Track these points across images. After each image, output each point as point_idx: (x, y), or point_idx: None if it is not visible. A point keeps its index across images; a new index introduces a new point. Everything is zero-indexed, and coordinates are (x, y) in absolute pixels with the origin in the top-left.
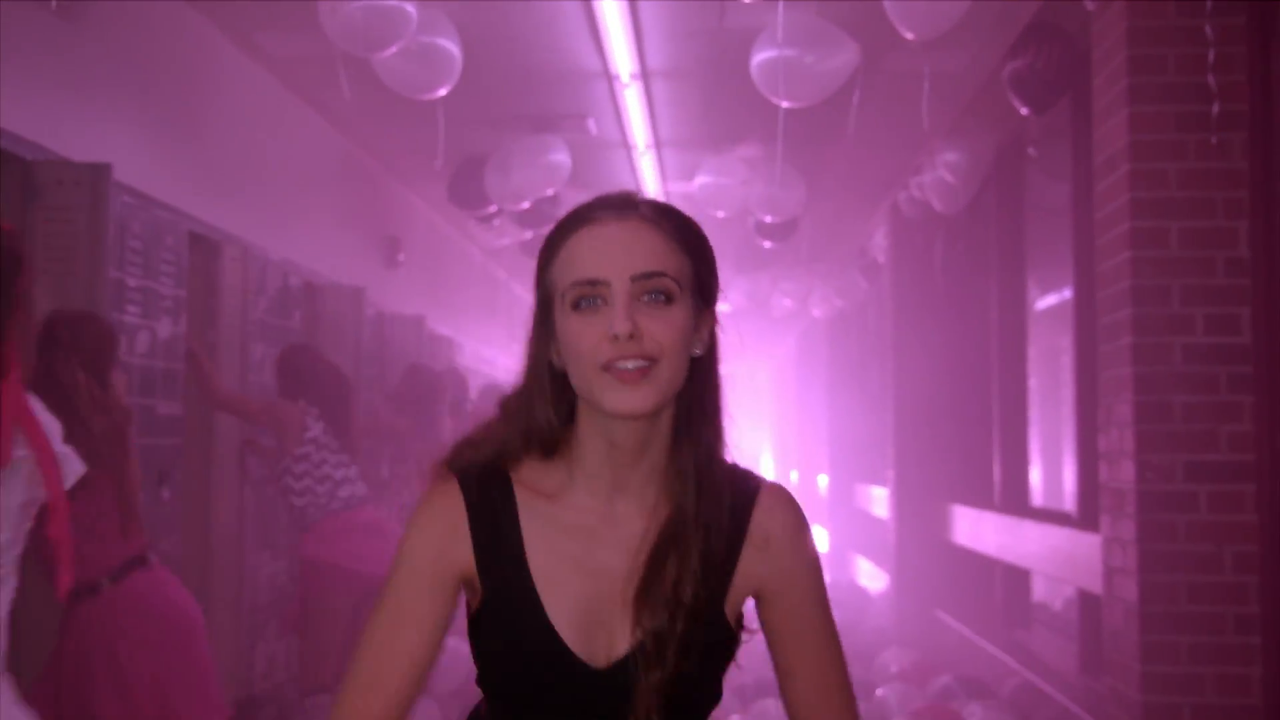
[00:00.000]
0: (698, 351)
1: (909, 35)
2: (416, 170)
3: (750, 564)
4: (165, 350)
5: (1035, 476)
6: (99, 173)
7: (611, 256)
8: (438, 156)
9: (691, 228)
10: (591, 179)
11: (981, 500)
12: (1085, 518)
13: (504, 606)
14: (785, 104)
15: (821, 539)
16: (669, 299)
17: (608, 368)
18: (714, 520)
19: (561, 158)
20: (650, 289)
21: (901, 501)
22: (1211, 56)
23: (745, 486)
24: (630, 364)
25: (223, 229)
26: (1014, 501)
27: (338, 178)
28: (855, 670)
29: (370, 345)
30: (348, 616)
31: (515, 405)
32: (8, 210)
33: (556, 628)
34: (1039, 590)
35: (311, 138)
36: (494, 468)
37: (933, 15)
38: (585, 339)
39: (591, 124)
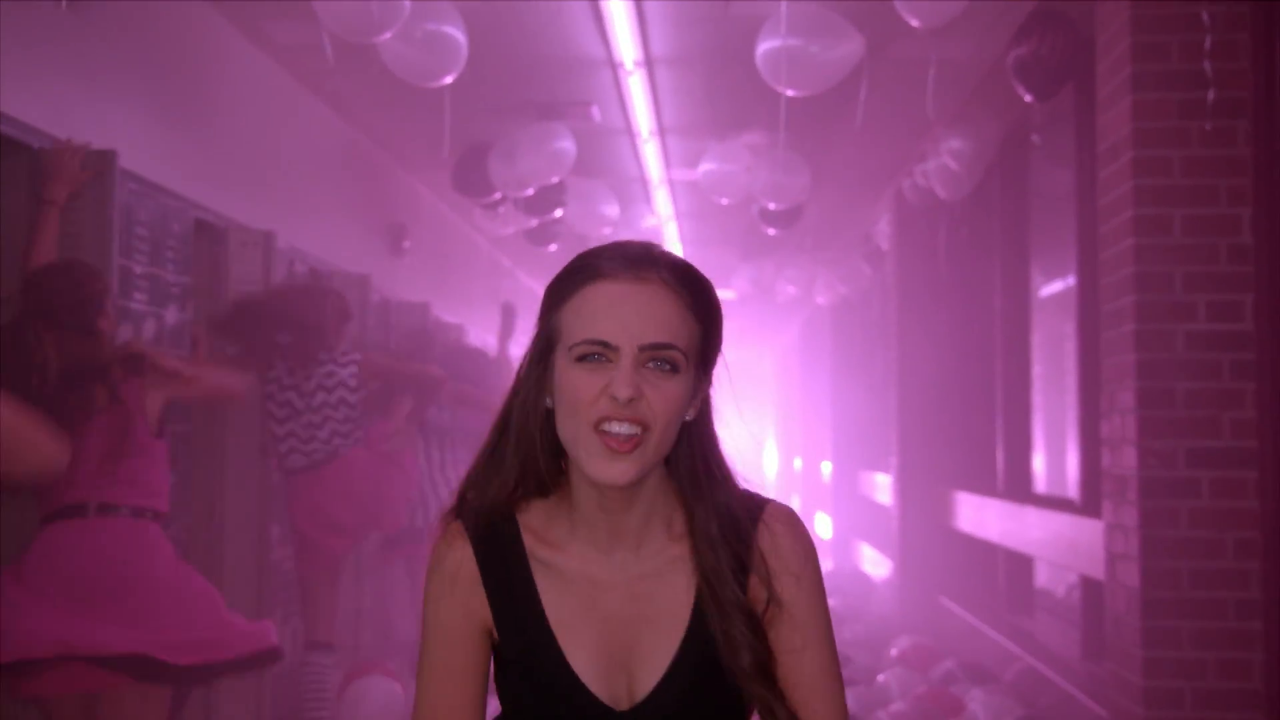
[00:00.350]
0: (690, 417)
1: (915, 23)
2: (421, 158)
3: (754, 588)
4: (172, 337)
5: (1039, 463)
6: (105, 160)
7: (624, 321)
8: (444, 144)
9: (707, 293)
10: (596, 166)
11: (985, 487)
12: (1088, 504)
13: (527, 657)
14: (790, 92)
15: (825, 526)
16: (674, 369)
17: (600, 427)
18: (722, 558)
19: (566, 145)
20: (656, 359)
21: (905, 488)
22: (1209, 43)
23: (749, 511)
24: (624, 429)
25: (229, 216)
26: (1017, 488)
27: (343, 165)
28: (859, 656)
29: (375, 333)
30: (331, 573)
31: (512, 444)
32: (15, 197)
33: (579, 675)
34: (1042, 576)
35: (317, 126)
36: (501, 514)
37: (939, 3)
38: (585, 392)
39: (596, 111)
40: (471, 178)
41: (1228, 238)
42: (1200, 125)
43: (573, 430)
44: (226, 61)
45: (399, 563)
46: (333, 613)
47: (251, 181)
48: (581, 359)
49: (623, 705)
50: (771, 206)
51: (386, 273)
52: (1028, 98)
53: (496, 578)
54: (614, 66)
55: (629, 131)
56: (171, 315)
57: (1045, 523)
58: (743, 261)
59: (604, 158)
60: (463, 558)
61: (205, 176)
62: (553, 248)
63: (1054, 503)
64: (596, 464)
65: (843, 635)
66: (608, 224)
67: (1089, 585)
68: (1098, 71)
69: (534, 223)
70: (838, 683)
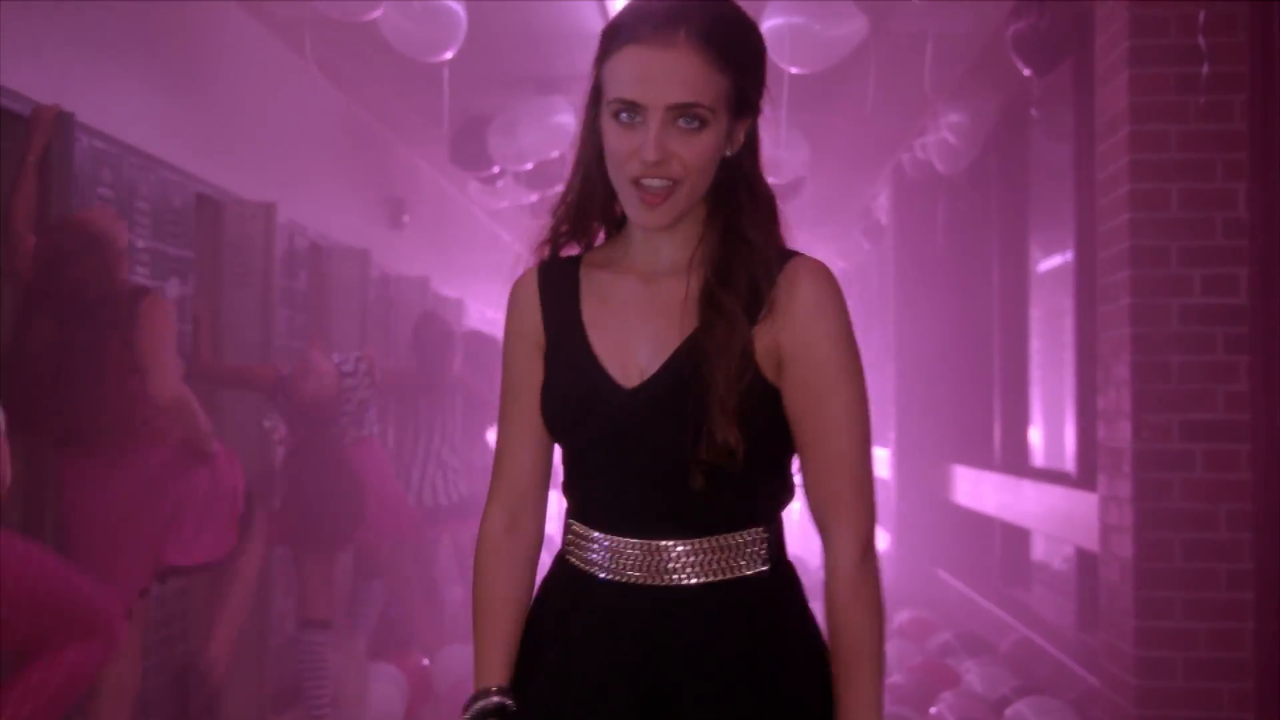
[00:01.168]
0: (728, 153)
1: None
2: (420, 132)
3: (765, 329)
4: (175, 311)
5: (1037, 437)
6: (64, 120)
7: (650, 83)
8: (443, 119)
9: (738, 41)
10: None
11: (982, 460)
12: (1084, 477)
13: (561, 348)
14: (793, 70)
15: None
16: (702, 124)
17: (636, 183)
18: (732, 279)
19: (566, 119)
20: (684, 116)
21: (902, 461)
22: (1203, 17)
23: (780, 259)
24: (656, 183)
25: (229, 190)
26: (1014, 461)
27: (343, 139)
28: None
29: (376, 307)
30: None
31: (579, 183)
32: (14, 171)
33: (600, 358)
34: (1038, 549)
35: (317, 99)
36: (570, 259)
37: None
38: (621, 149)
39: None
40: (470, 151)
41: (1223, 212)
42: (1197, 100)
43: (614, 180)
44: (227, 35)
45: (445, 538)
46: (328, 590)
47: (251, 155)
48: (616, 115)
49: (631, 384)
50: (770, 181)
51: (386, 246)
52: (1026, 72)
53: (549, 292)
54: None
55: None
56: (173, 289)
57: (1041, 496)
58: None
59: None
60: (526, 280)
61: (206, 150)
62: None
63: (1050, 476)
64: (634, 212)
65: None
66: None
67: (1084, 557)
68: (1096, 46)
69: (534, 197)
70: (860, 435)
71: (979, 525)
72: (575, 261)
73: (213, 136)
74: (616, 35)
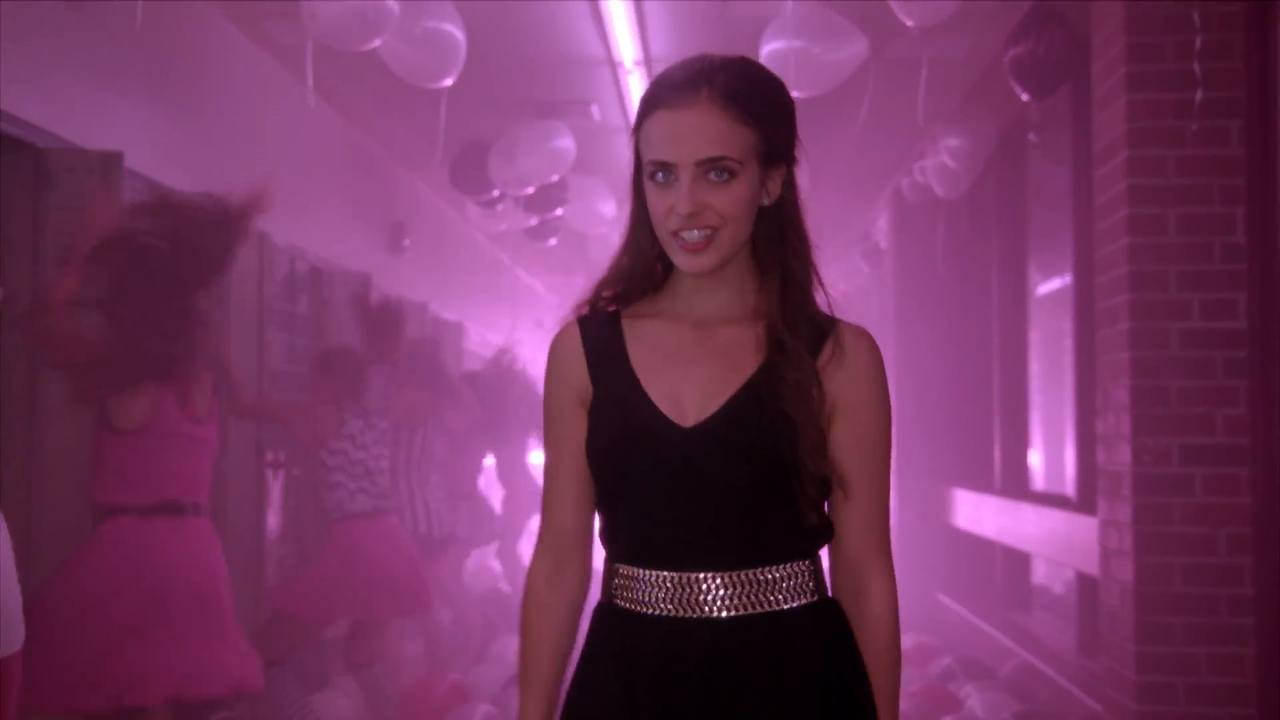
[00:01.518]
0: (765, 202)
1: (910, 22)
2: (421, 156)
3: (825, 377)
4: None
5: (1037, 461)
6: (110, 161)
7: (678, 143)
8: (438, 144)
9: (760, 96)
10: (595, 164)
11: (982, 484)
12: (1084, 501)
13: (610, 393)
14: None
15: None
16: (731, 175)
17: (676, 235)
18: (797, 325)
19: (566, 144)
20: (714, 169)
21: (902, 485)
22: (1199, 43)
23: (826, 317)
24: (695, 234)
25: None
26: (1014, 485)
27: (344, 164)
28: None
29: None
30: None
31: (628, 245)
32: (18, 196)
33: (652, 399)
34: (1039, 573)
35: (318, 124)
36: (608, 311)
37: (933, 2)
38: (659, 207)
39: (595, 110)
40: (470, 175)
41: (1221, 236)
42: (1194, 125)
43: (659, 236)
44: (227, 60)
45: (443, 565)
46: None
47: (253, 180)
48: (653, 176)
49: (687, 423)
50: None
51: (387, 270)
52: (1025, 96)
53: (593, 343)
54: (613, 65)
55: (628, 130)
56: None
57: (1042, 519)
58: None
59: (603, 156)
60: (568, 333)
61: (208, 176)
62: (551, 242)
63: (1050, 500)
64: (681, 260)
65: None
66: (605, 223)
67: (1085, 581)
68: (1093, 71)
69: (534, 221)
70: (887, 515)
71: (979, 549)
72: (615, 314)
73: (213, 160)
74: (647, 103)
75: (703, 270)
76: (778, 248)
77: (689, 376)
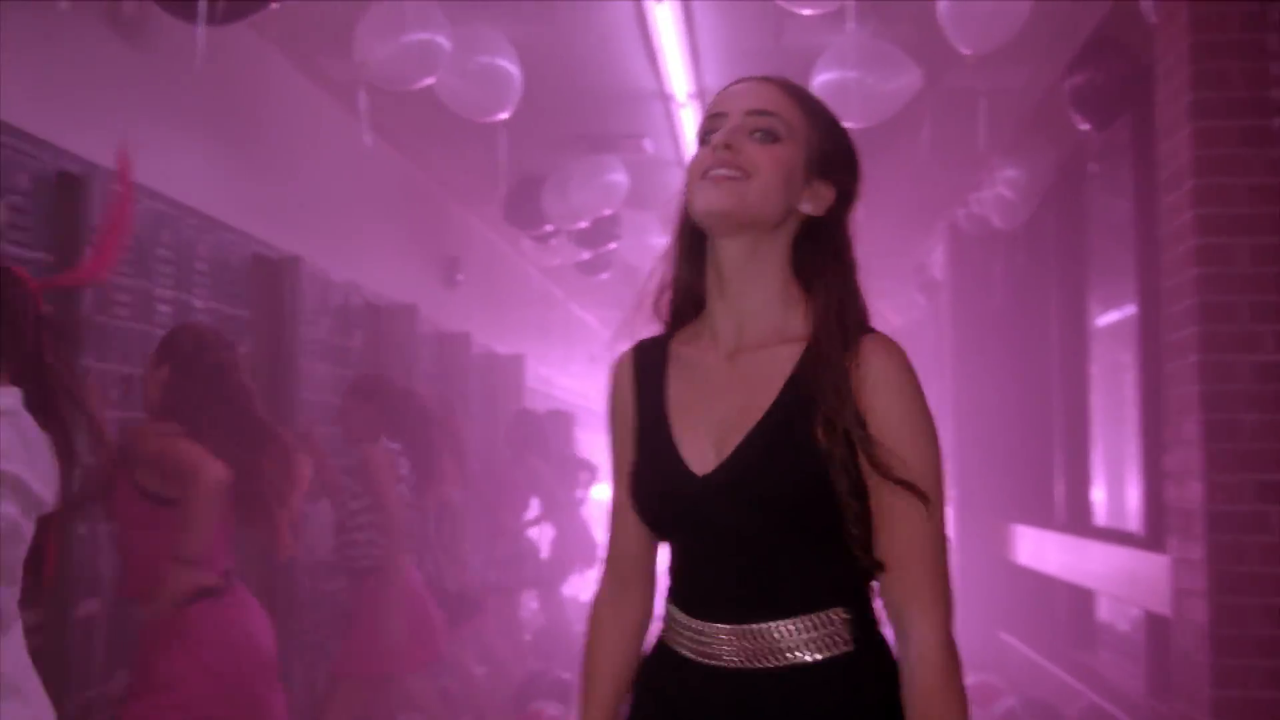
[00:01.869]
0: (807, 207)
1: (966, 50)
2: (475, 190)
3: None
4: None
5: (1099, 495)
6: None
7: (733, 97)
8: (498, 179)
9: (821, 106)
10: (648, 198)
11: (1043, 519)
12: (1151, 538)
13: (646, 432)
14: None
15: None
16: (775, 138)
17: (704, 175)
18: (830, 348)
19: (619, 178)
20: (760, 126)
21: (963, 520)
22: (1276, 70)
23: (859, 328)
24: (723, 170)
25: (287, 250)
26: (1077, 521)
27: (398, 198)
28: None
29: (429, 365)
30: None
31: (666, 268)
32: (75, 230)
33: (677, 443)
34: (1103, 611)
35: (372, 159)
36: (662, 338)
37: (988, 30)
38: (697, 159)
39: (648, 144)
40: (524, 210)
41: None
42: (1263, 153)
43: (688, 190)
44: (283, 97)
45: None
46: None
47: (308, 215)
48: (704, 140)
49: (704, 470)
50: None
51: (440, 305)
52: (1084, 126)
53: (642, 374)
54: (665, 99)
55: (680, 163)
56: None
57: (1107, 556)
58: None
59: (656, 189)
60: (624, 361)
61: (263, 211)
62: (604, 276)
63: (1115, 536)
64: (697, 196)
65: None
66: (658, 257)
67: (1153, 620)
68: (1157, 99)
69: (587, 255)
70: (938, 544)
71: (1042, 586)
72: (664, 341)
73: (270, 196)
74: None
75: (715, 205)
76: (819, 266)
77: (711, 414)
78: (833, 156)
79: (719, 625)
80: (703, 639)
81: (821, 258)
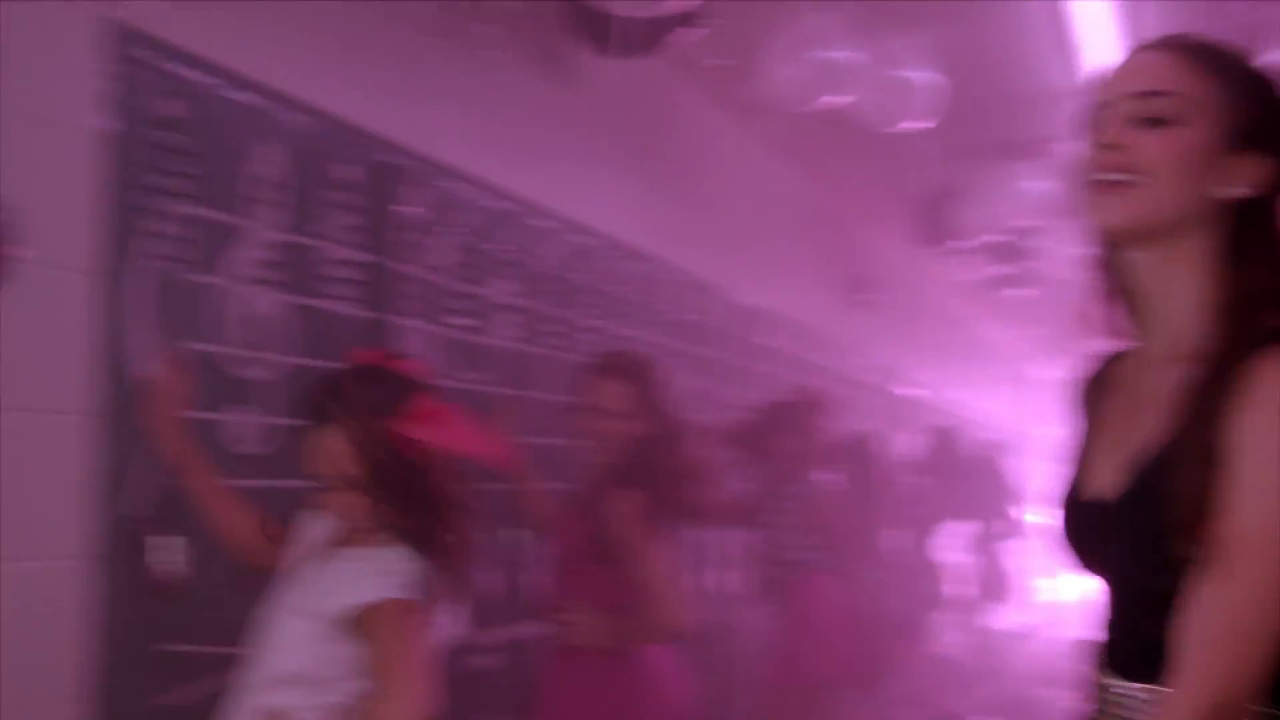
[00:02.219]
0: (1222, 192)
1: None
2: (880, 207)
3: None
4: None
5: None
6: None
7: (1119, 79)
8: (907, 191)
9: (1236, 60)
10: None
11: None
12: None
13: (1077, 454)
14: None
15: None
16: (1171, 122)
17: (1090, 182)
18: (1223, 366)
19: (1032, 185)
20: (1151, 112)
21: None
22: None
23: (1259, 344)
24: (1106, 175)
25: (703, 278)
26: None
27: (803, 221)
28: None
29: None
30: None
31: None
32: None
33: (1085, 467)
34: None
35: (780, 184)
36: (1108, 353)
37: None
38: (1084, 162)
39: (1060, 147)
40: (933, 225)
41: None
42: None
43: (1080, 199)
44: (697, 127)
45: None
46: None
47: (725, 243)
48: (1090, 136)
49: (1087, 496)
50: None
51: (844, 327)
52: None
53: (1092, 390)
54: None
55: None
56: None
57: None
58: None
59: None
60: (1085, 377)
61: (686, 241)
62: (1021, 291)
63: None
64: (1090, 214)
65: None
66: (1077, 268)
67: None
68: None
69: (1001, 269)
70: (1232, 579)
71: None
72: (1112, 356)
73: (683, 224)
74: None
75: (1109, 223)
76: (1240, 258)
77: (1117, 435)
78: (1261, 122)
79: (1112, 680)
80: (1099, 694)
81: (1244, 248)
